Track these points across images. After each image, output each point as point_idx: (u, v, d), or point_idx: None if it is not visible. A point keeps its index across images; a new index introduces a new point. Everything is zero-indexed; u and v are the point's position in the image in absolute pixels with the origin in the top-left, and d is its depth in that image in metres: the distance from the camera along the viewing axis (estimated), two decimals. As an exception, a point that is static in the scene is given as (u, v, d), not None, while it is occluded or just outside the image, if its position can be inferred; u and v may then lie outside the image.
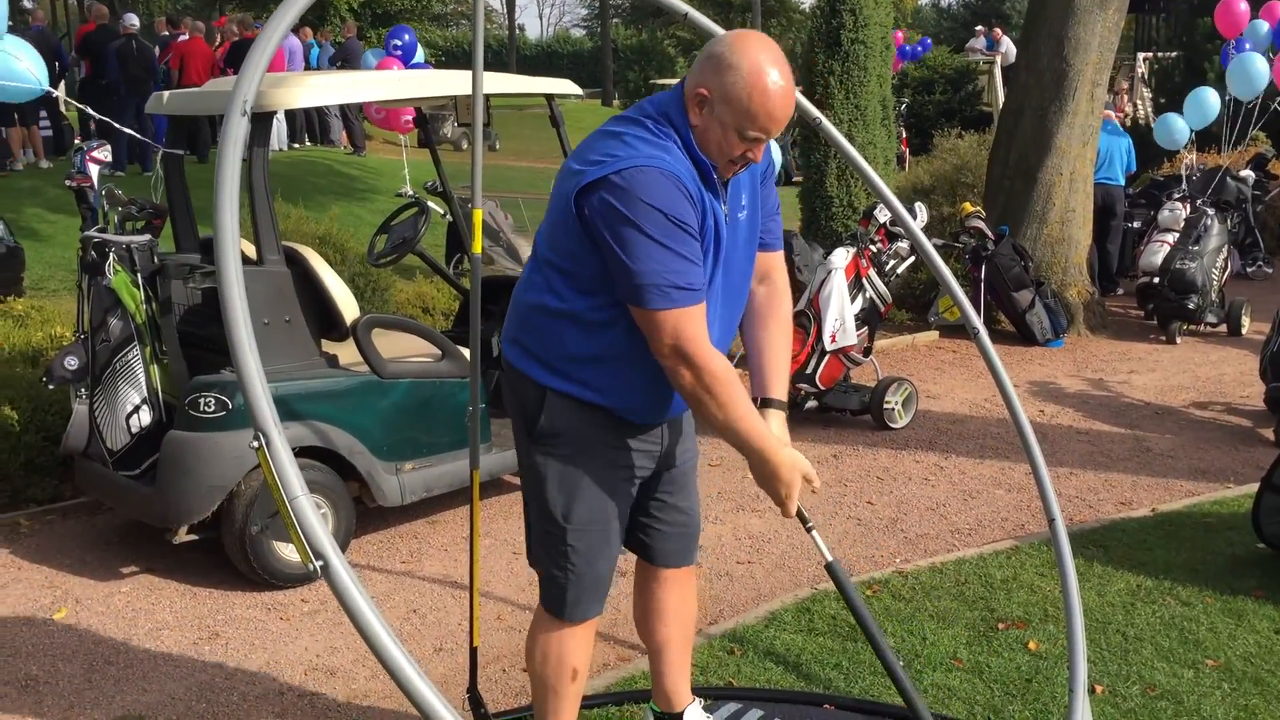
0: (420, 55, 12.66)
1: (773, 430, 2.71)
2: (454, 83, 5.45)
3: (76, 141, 12.81)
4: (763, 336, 2.90)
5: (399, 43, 12.04)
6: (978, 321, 3.70)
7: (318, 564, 1.91)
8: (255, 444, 1.93)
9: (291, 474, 1.93)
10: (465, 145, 17.91)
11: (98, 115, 5.72)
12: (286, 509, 1.92)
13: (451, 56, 39.78)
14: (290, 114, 16.68)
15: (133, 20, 14.41)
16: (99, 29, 14.52)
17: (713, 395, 2.51)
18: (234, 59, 15.59)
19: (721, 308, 2.69)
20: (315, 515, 1.92)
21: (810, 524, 2.82)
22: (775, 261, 2.93)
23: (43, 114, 14.40)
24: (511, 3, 43.10)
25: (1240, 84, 10.13)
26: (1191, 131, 10.44)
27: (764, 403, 2.79)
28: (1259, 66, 10.10)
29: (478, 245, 3.35)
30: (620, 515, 2.82)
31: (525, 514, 2.91)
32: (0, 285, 8.15)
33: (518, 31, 43.49)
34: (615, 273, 2.47)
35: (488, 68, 3.41)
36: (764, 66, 2.48)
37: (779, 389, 2.83)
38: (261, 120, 4.57)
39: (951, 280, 3.69)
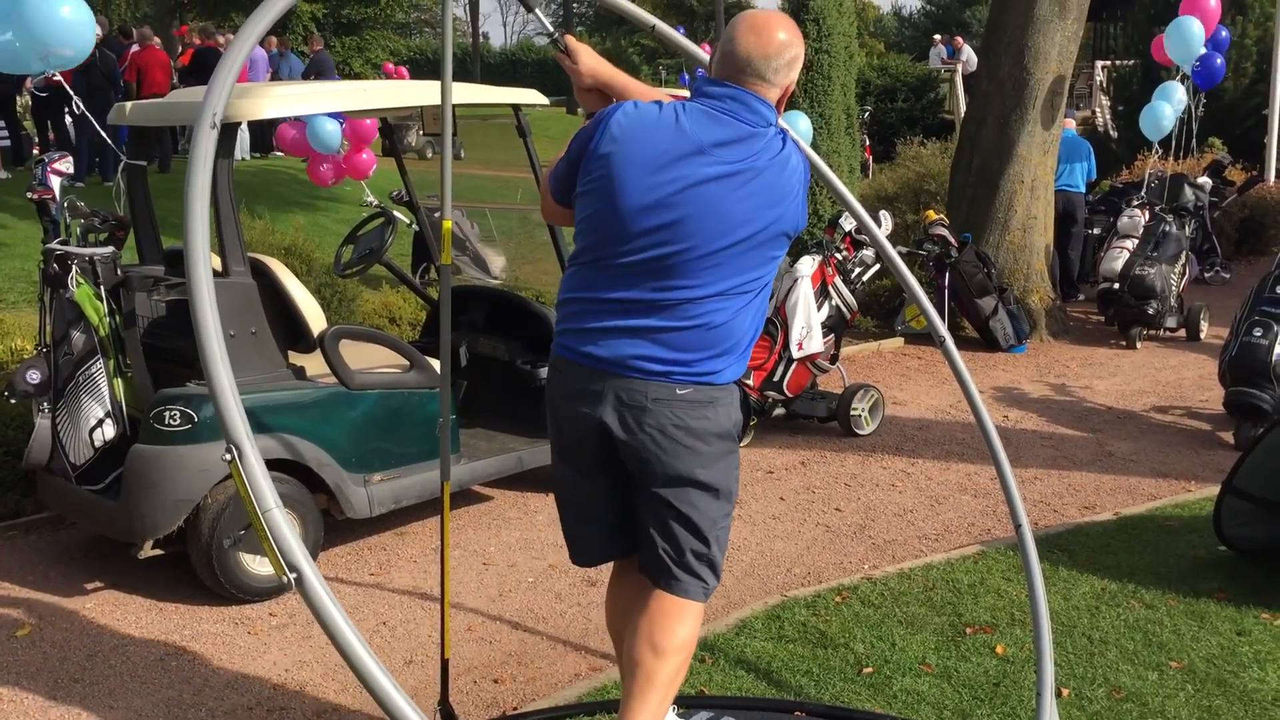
0: None
1: None
2: (420, 93, 5.47)
3: (35, 152, 12.63)
4: None
5: None
6: (944, 331, 3.73)
7: (292, 576, 1.91)
8: (228, 457, 1.93)
9: (265, 486, 1.93)
10: (430, 154, 17.84)
11: (87, 113, 5.52)
12: (260, 521, 1.92)
13: (416, 66, 39.53)
14: (253, 124, 16.56)
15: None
16: (58, 37, 14.32)
17: None
18: (197, 67, 15.46)
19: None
20: (289, 527, 1.92)
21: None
22: None
23: (0, 124, 14.19)
24: (475, 11, 43.01)
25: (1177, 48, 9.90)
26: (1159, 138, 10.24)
27: None
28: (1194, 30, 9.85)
29: (447, 256, 3.35)
30: (567, 485, 2.97)
31: None
32: (-41, 298, 8.03)
33: (482, 40, 43.42)
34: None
35: (453, 76, 3.41)
36: (746, 15, 2.74)
37: None
38: (227, 131, 4.54)
39: (918, 289, 3.72)
